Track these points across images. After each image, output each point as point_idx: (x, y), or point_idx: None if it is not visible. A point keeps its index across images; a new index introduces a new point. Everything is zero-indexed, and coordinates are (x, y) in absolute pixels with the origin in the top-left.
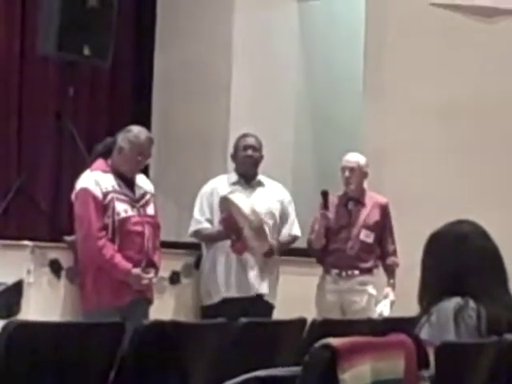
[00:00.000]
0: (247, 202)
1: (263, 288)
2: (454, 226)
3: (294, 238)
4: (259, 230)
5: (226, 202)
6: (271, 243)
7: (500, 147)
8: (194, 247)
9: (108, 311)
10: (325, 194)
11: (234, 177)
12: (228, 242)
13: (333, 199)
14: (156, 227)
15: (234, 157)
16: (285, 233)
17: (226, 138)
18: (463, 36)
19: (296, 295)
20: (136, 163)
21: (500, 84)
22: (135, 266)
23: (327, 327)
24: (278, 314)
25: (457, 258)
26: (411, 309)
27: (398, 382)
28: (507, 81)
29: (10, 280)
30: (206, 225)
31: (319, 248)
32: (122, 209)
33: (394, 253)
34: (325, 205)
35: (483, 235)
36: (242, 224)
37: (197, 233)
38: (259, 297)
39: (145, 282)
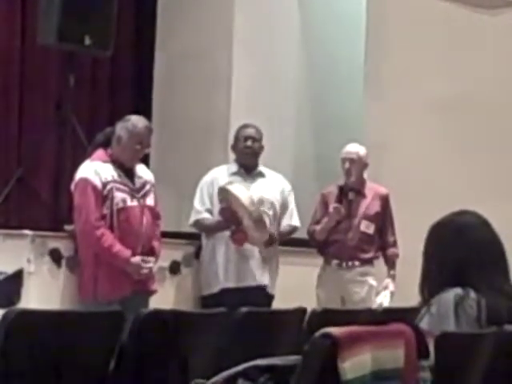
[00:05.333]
0: (246, 192)
1: (263, 278)
2: (456, 216)
3: (294, 229)
4: (258, 221)
5: (224, 193)
6: (271, 232)
7: (499, 139)
8: (194, 237)
9: (107, 302)
10: (341, 188)
11: (234, 167)
12: (228, 232)
13: (333, 190)
14: (156, 217)
15: (235, 147)
16: (285, 223)
17: (227, 128)
18: (465, 29)
19: (296, 285)
20: (134, 152)
21: (502, 77)
22: (134, 255)
23: (327, 317)
24: (277, 305)
25: (458, 248)
26: (411, 300)
27: (398, 371)
28: (509, 73)
29: (11, 269)
30: (206, 215)
31: (322, 239)
32: (122, 199)
33: (395, 244)
34: (340, 199)
35: (485, 226)
36: (241, 214)
37: (197, 223)
38: (259, 287)
39: (144, 271)
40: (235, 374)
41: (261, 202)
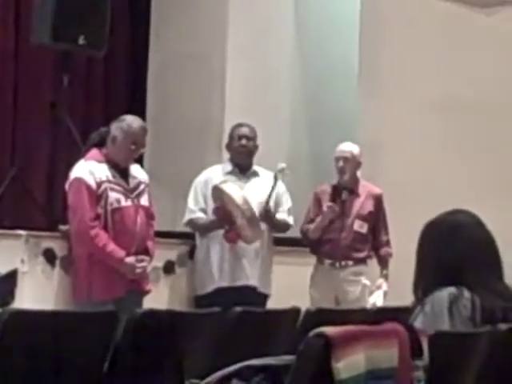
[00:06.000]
0: (239, 191)
1: (257, 278)
2: (449, 215)
3: (288, 226)
4: (252, 219)
5: (217, 192)
6: (264, 207)
7: (496, 139)
8: (189, 237)
9: (101, 302)
10: (334, 187)
11: (228, 166)
12: (222, 232)
13: (326, 189)
14: (150, 217)
15: (229, 146)
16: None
17: (221, 128)
18: (460, 27)
19: (290, 285)
20: (129, 152)
21: (497, 75)
22: (128, 255)
23: (321, 316)
24: (271, 304)
25: (451, 247)
26: (404, 299)
27: (392, 370)
28: (504, 72)
29: (4, 269)
30: (200, 214)
31: (315, 238)
32: (116, 199)
33: (388, 243)
34: (333, 198)
35: (478, 225)
36: (235, 213)
37: (190, 222)
38: (253, 287)
39: (138, 271)
40: (229, 374)
41: (255, 201)
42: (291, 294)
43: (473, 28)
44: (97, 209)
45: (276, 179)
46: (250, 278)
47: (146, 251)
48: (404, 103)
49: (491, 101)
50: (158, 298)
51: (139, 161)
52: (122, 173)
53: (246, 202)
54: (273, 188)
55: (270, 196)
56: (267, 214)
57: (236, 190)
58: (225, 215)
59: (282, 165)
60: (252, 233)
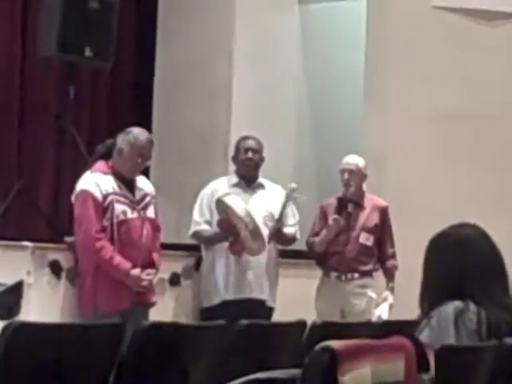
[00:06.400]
0: (241, 203)
1: (262, 290)
2: (455, 229)
3: (293, 239)
4: (255, 231)
5: (221, 204)
6: (275, 226)
7: (500, 152)
8: (194, 249)
9: (106, 314)
10: (340, 200)
11: (234, 179)
12: (227, 244)
13: (332, 202)
14: (156, 229)
15: (235, 159)
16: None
17: (227, 139)
18: (465, 39)
19: (295, 298)
20: (136, 165)
21: (502, 88)
22: (134, 267)
23: (327, 330)
24: (277, 317)
25: (458, 261)
26: (410, 312)
27: None
28: (509, 84)
29: (10, 281)
30: (205, 226)
31: (321, 251)
32: (122, 211)
33: (394, 256)
34: (339, 211)
35: (484, 238)
36: (239, 225)
37: (196, 234)
38: (259, 299)
39: (144, 283)
40: None
41: (261, 213)
42: (297, 307)
43: (479, 41)
44: (103, 221)
45: (288, 199)
46: (256, 290)
47: (152, 263)
48: (409, 116)
49: (496, 113)
50: (164, 310)
51: (145, 172)
52: (128, 185)
53: (248, 214)
54: (284, 207)
55: (281, 215)
56: (277, 233)
57: (238, 203)
58: (229, 227)
59: (294, 185)
60: (256, 245)
